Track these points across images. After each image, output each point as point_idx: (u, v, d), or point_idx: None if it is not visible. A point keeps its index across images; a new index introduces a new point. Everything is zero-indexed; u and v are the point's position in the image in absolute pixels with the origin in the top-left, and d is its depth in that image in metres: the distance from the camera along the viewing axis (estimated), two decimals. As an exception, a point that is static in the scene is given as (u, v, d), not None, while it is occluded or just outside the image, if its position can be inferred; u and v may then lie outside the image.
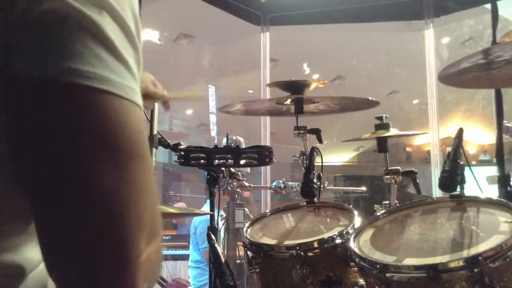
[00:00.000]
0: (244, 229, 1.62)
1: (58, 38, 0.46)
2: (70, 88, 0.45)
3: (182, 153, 1.63)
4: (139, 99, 0.51)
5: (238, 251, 3.60)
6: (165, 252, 4.91)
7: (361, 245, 1.29)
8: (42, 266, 0.57)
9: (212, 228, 1.71)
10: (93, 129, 0.46)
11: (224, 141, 2.31)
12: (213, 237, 1.62)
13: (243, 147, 1.85)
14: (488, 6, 1.81)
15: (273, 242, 1.50)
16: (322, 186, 1.79)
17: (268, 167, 4.24)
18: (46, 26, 0.46)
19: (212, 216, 1.77)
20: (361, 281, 1.33)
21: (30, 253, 0.54)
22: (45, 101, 0.46)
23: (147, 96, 1.23)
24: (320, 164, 1.83)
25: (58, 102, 0.46)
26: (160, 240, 0.55)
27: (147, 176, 0.51)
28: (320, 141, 1.93)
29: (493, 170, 1.83)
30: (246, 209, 3.80)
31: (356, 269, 1.28)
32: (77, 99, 0.46)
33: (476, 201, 1.31)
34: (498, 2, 1.64)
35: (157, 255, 0.53)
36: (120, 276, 0.48)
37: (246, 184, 2.07)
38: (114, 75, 0.48)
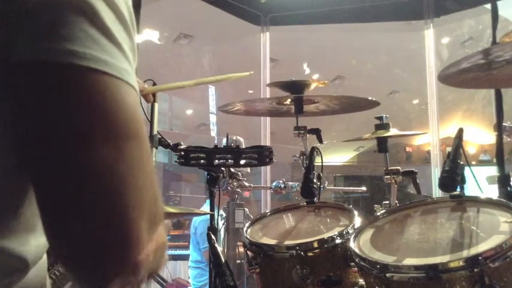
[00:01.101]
0: (244, 229, 1.62)
1: (55, 22, 0.47)
2: (67, 68, 0.46)
3: (182, 153, 1.63)
4: (134, 82, 0.52)
5: (238, 251, 3.60)
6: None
7: (361, 245, 1.29)
8: (43, 260, 0.57)
9: (212, 228, 1.71)
10: (90, 108, 0.47)
11: (224, 141, 2.31)
12: (213, 237, 1.62)
13: (243, 147, 1.84)
14: (488, 6, 1.81)
15: (273, 242, 1.50)
16: (322, 186, 1.79)
17: (268, 167, 4.24)
18: (43, 10, 0.47)
19: (212, 216, 1.77)
20: (361, 281, 1.33)
21: (31, 242, 0.54)
22: (43, 81, 0.47)
23: None
24: (320, 164, 1.83)
25: (56, 83, 0.47)
26: (165, 228, 0.55)
27: (144, 156, 0.51)
28: (320, 141, 1.93)
29: (493, 170, 1.83)
30: (246, 209, 3.80)
31: (356, 269, 1.28)
32: (73, 79, 0.47)
33: (476, 201, 1.31)
34: (498, 2, 1.64)
35: (161, 242, 0.53)
36: (123, 254, 0.48)
37: (246, 184, 2.07)
38: (109, 57, 0.49)
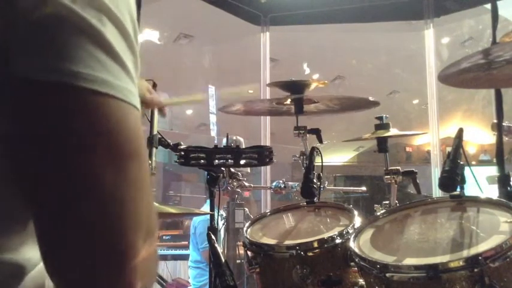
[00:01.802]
0: (244, 229, 1.62)
1: (58, 42, 0.46)
2: (70, 90, 0.46)
3: (182, 153, 1.63)
4: (137, 102, 0.52)
5: (238, 251, 3.60)
6: (165, 252, 4.91)
7: (361, 245, 1.29)
8: (40, 266, 0.57)
9: (212, 228, 1.71)
10: (92, 131, 0.47)
11: (224, 141, 2.31)
12: (213, 237, 1.62)
13: (243, 147, 1.84)
14: (488, 6, 1.81)
15: (273, 242, 1.50)
16: (322, 186, 1.79)
17: (268, 167, 4.24)
18: (46, 29, 0.46)
19: (212, 216, 1.77)
20: (361, 281, 1.33)
21: (30, 252, 0.54)
22: (46, 102, 0.46)
23: (143, 103, 1.23)
24: (320, 164, 1.83)
25: (58, 104, 0.46)
26: (156, 240, 0.55)
27: (143, 177, 0.52)
28: (320, 141, 1.93)
29: (493, 170, 1.82)
30: (246, 209, 3.80)
31: (356, 269, 1.28)
32: (76, 101, 0.47)
33: (476, 201, 1.31)
34: (498, 2, 1.64)
35: (153, 255, 0.54)
36: (118, 274, 0.48)
37: (246, 184, 2.07)
38: (113, 78, 0.48)
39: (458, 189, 1.28)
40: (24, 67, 0.46)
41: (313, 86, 1.91)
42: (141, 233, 0.50)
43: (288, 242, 1.47)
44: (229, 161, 1.63)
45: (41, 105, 0.46)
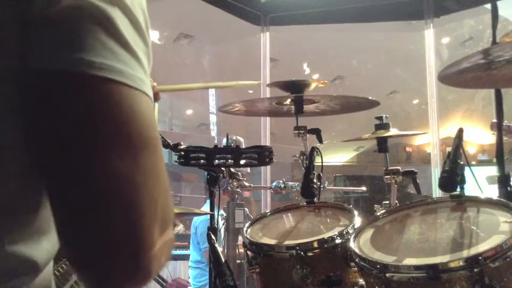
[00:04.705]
0: (244, 229, 1.62)
1: (72, 32, 0.47)
2: (83, 79, 0.47)
3: (182, 153, 1.63)
4: (149, 90, 0.53)
5: (238, 251, 3.60)
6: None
7: (361, 245, 1.29)
8: (49, 267, 0.58)
9: (212, 228, 1.71)
10: (106, 118, 0.48)
11: (224, 141, 2.31)
12: (213, 237, 1.62)
13: (243, 147, 1.84)
14: (488, 6, 1.82)
15: (273, 242, 1.50)
16: (322, 186, 1.79)
17: (268, 167, 4.23)
18: (61, 20, 0.47)
19: (212, 216, 1.77)
20: (361, 281, 1.33)
21: (43, 246, 0.55)
22: (59, 91, 0.47)
23: None
24: (320, 164, 1.83)
25: (72, 93, 0.47)
26: (173, 229, 0.56)
27: (158, 165, 0.52)
28: (320, 141, 1.93)
29: (493, 170, 1.82)
30: (246, 209, 3.80)
31: (356, 269, 1.28)
32: (89, 89, 0.48)
33: (476, 201, 1.31)
34: (498, 2, 1.64)
35: (169, 245, 0.54)
36: (135, 262, 0.49)
37: (246, 184, 2.07)
38: (124, 66, 0.49)
39: (458, 189, 1.28)
40: (39, 58, 0.47)
41: (313, 86, 1.91)
42: (157, 221, 0.50)
43: (288, 242, 1.47)
44: (229, 161, 1.63)
45: (55, 95, 0.47)
